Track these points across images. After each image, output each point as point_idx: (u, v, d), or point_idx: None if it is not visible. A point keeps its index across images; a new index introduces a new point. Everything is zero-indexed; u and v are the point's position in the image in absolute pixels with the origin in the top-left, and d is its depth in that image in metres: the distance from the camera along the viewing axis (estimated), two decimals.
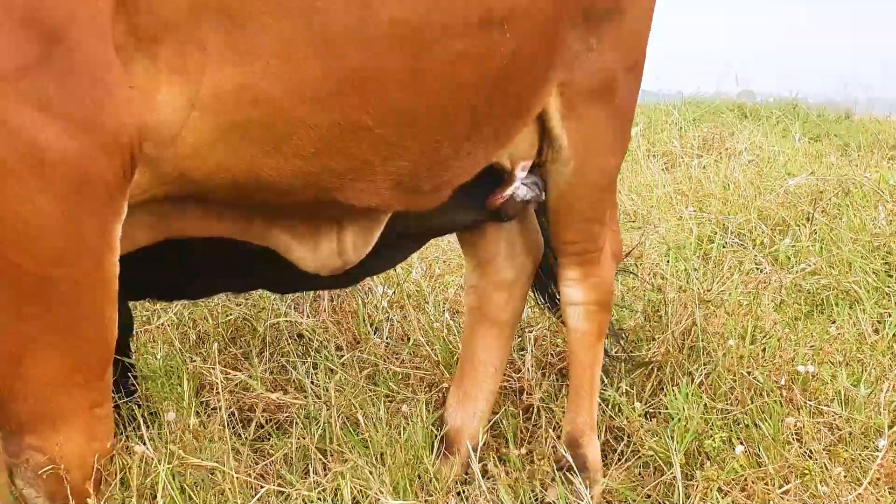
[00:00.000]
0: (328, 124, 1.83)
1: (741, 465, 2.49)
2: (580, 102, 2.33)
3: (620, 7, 2.33)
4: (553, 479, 2.54)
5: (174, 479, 2.24)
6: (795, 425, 2.62)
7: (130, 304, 2.79)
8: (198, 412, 2.69)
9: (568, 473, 2.50)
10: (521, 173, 2.42)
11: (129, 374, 2.71)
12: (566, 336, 2.64)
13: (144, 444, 2.28)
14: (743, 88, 9.08)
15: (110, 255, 1.69)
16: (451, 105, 1.97)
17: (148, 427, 2.60)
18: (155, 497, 2.16)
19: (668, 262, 3.91)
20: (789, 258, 3.96)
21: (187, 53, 1.68)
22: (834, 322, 3.51)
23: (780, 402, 2.72)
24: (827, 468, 2.51)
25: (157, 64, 1.67)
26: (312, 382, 2.97)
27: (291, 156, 1.84)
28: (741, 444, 2.56)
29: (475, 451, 2.54)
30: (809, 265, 3.83)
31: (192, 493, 2.29)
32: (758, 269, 3.81)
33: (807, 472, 2.36)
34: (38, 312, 1.63)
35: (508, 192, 2.42)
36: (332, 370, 3.03)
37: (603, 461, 2.66)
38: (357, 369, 3.05)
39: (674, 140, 5.97)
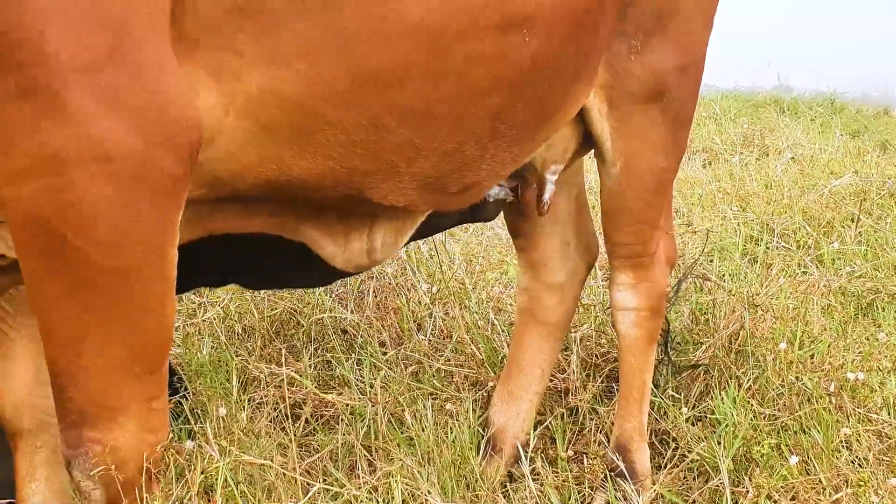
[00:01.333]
0: (352, 125, 1.85)
1: (791, 473, 2.47)
2: (624, 104, 2.32)
3: (669, 7, 2.30)
4: (602, 483, 2.53)
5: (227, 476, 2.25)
6: (846, 434, 2.60)
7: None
8: (244, 407, 2.71)
9: (618, 479, 2.49)
10: (551, 177, 2.42)
11: (176, 372, 2.73)
12: (617, 342, 2.63)
13: (200, 438, 2.29)
14: (781, 83, 8.98)
15: (171, 246, 1.71)
16: (471, 106, 1.97)
17: (198, 422, 2.62)
18: (208, 493, 2.18)
19: (710, 261, 3.89)
20: (834, 261, 3.92)
21: (224, 58, 1.70)
22: (879, 326, 3.47)
23: (829, 410, 2.70)
24: (874, 476, 2.49)
25: (196, 68, 1.69)
26: (357, 379, 2.98)
27: (319, 156, 1.86)
28: (791, 452, 2.54)
29: (524, 451, 2.54)
30: (855, 268, 3.79)
31: (244, 489, 2.30)
32: (803, 272, 3.78)
33: (862, 482, 2.34)
34: (101, 301, 1.65)
35: (547, 197, 2.43)
36: (376, 366, 3.04)
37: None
38: (402, 366, 3.05)
39: (713, 136, 5.92)
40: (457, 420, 2.62)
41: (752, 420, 2.66)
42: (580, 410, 2.88)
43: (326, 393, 2.80)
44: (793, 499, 2.44)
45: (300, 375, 2.91)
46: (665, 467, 2.67)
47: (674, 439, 2.74)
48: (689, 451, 2.65)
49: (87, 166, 1.57)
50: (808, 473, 2.51)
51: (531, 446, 2.61)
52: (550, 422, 2.77)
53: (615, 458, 2.54)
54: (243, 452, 2.42)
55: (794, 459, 2.40)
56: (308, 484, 2.38)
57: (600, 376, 3.00)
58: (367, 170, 1.93)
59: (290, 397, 2.90)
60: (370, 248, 2.22)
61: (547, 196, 2.41)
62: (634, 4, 2.24)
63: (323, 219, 2.13)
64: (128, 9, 1.59)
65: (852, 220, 4.17)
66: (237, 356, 3.04)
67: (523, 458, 2.50)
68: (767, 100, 8.20)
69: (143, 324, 1.70)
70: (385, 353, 3.13)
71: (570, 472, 2.60)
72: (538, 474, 2.57)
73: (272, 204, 2.03)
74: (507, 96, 2.01)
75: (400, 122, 1.89)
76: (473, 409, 2.72)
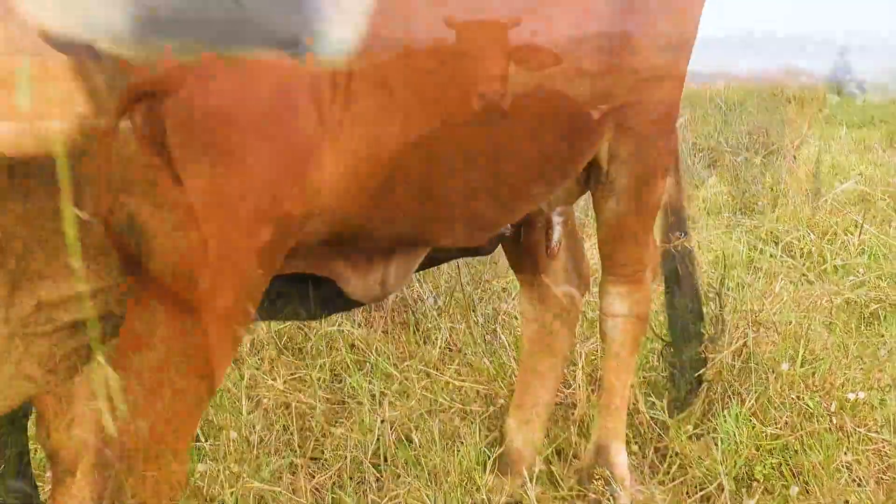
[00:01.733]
0: (426, 171, 1.88)
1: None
2: (632, 133, 2.36)
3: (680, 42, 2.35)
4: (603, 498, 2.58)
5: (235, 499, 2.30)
6: (846, 455, 2.64)
7: None
8: (253, 426, 2.76)
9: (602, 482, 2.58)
10: (557, 218, 2.47)
11: None
12: (602, 345, 2.68)
13: (211, 462, 2.34)
14: (789, 67, 8.95)
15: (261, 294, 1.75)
16: (532, 149, 2.04)
17: (207, 439, 2.67)
18: None
19: (714, 269, 3.91)
20: (836, 269, 3.95)
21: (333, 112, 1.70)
22: (882, 336, 3.50)
23: (830, 429, 2.74)
24: (875, 498, 2.53)
25: None
26: (369, 390, 3.02)
27: (390, 206, 1.88)
28: (793, 472, 2.58)
29: (530, 477, 2.59)
30: (857, 276, 3.82)
31: None
32: (808, 281, 3.80)
33: None
34: (198, 344, 1.66)
35: (556, 237, 2.49)
36: (384, 380, 3.08)
37: (649, 480, 2.70)
38: (411, 381, 3.09)
39: (718, 134, 5.92)
40: (464, 440, 2.67)
41: (753, 440, 2.70)
42: (586, 425, 2.92)
43: (334, 425, 2.84)
44: None
45: (309, 391, 2.95)
46: (666, 483, 2.72)
47: (676, 454, 2.78)
48: (690, 467, 2.70)
49: (237, 222, 1.58)
50: (808, 494, 2.56)
51: (537, 471, 2.66)
52: (555, 435, 2.82)
53: (594, 458, 2.61)
54: (253, 473, 2.47)
55: (794, 490, 2.44)
56: None
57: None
58: (428, 216, 1.97)
59: (298, 406, 2.94)
60: (384, 279, 2.27)
61: (556, 237, 2.47)
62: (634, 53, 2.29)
63: (352, 255, 2.17)
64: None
65: (856, 227, 4.18)
66: (247, 369, 3.08)
67: (529, 484, 2.54)
68: (774, 89, 8.17)
69: (215, 360, 1.71)
70: (394, 368, 3.17)
71: (572, 490, 2.65)
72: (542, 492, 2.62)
73: (319, 247, 2.06)
74: (559, 138, 2.10)
75: (469, 167, 1.94)
76: (481, 426, 2.76)
